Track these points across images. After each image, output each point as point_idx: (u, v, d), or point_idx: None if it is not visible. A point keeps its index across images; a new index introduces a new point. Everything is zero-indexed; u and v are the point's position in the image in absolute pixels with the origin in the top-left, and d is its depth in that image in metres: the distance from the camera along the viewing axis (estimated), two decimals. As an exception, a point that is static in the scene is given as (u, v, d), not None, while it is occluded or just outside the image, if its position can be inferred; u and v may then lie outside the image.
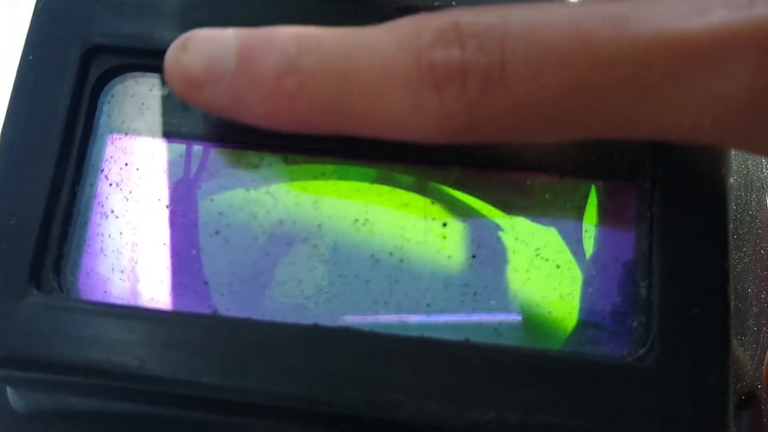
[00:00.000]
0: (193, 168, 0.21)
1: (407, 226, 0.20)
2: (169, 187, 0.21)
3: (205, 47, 0.19)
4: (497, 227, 0.20)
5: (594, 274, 0.20)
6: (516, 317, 0.20)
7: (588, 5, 0.17)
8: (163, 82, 0.21)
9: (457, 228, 0.20)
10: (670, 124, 0.17)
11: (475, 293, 0.20)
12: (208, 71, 0.18)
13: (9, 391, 0.22)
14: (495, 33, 0.17)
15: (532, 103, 0.17)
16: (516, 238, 0.20)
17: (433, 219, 0.20)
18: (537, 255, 0.20)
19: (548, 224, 0.20)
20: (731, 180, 0.19)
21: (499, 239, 0.20)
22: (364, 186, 0.21)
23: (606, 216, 0.20)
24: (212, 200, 0.21)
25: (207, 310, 0.20)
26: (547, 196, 0.20)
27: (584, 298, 0.19)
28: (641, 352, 0.18)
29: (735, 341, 0.21)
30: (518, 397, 0.18)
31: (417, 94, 0.17)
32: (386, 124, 0.18)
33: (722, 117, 0.17)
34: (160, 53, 0.20)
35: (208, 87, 0.18)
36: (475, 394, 0.18)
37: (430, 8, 0.20)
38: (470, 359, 0.18)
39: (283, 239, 0.20)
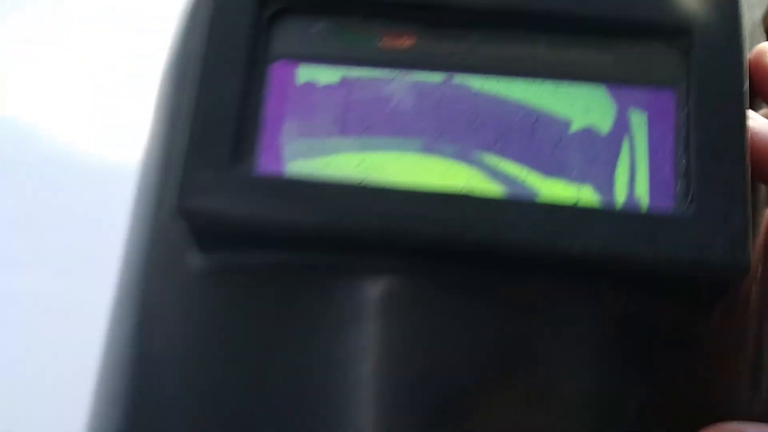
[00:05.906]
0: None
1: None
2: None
3: None
4: (534, 194, 0.24)
5: (648, 158, 0.25)
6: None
7: None
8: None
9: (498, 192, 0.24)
10: None
11: None
12: None
13: (191, 253, 0.25)
14: None
15: None
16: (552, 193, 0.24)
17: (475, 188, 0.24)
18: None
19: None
20: (747, 83, 0.25)
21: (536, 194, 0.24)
22: (408, 157, 0.24)
23: (652, 114, 0.25)
24: None
25: None
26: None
27: (641, 173, 0.25)
28: (684, 207, 0.24)
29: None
30: (598, 234, 0.23)
31: None
32: None
33: None
34: None
35: None
36: (567, 227, 0.23)
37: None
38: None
39: None
